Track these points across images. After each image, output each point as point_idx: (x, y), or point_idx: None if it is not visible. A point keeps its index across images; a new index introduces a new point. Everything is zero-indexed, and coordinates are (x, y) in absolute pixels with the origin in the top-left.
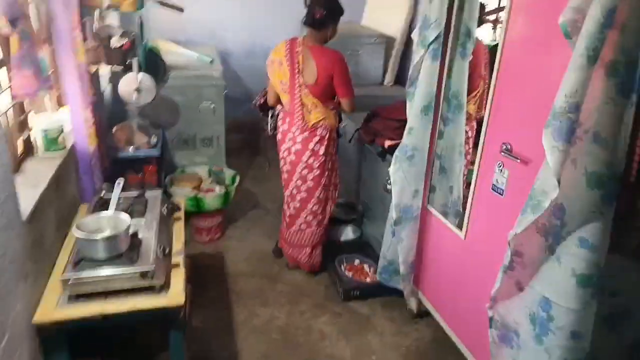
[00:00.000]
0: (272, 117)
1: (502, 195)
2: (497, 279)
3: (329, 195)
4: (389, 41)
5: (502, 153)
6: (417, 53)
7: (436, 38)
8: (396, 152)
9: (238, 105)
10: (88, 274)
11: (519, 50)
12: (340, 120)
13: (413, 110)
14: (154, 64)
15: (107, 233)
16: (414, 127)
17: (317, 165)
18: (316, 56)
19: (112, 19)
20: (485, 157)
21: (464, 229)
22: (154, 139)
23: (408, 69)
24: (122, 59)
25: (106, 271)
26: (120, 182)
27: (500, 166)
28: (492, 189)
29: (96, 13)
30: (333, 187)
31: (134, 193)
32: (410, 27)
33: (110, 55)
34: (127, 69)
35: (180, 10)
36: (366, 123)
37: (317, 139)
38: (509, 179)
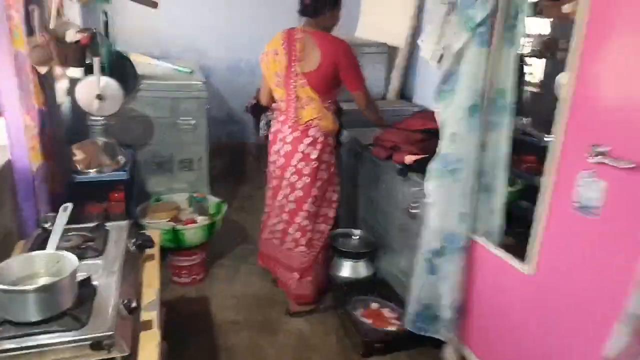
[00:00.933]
0: (266, 123)
1: (595, 214)
2: (615, 333)
3: (320, 212)
4: (391, 51)
5: (595, 157)
6: (458, 38)
7: (485, 18)
8: (433, 165)
9: (221, 126)
10: (11, 344)
11: (622, 15)
12: (340, 126)
13: (453, 112)
14: (122, 69)
15: (42, 281)
16: (457, 133)
17: (307, 172)
18: (320, 42)
19: (72, 14)
20: (564, 165)
21: (532, 262)
22: (121, 160)
23: (413, 81)
24: (79, 58)
25: (40, 339)
26: (66, 208)
27: (591, 177)
28: (577, 208)
29: (52, 6)
30: (328, 203)
31: (90, 224)
32: (414, 36)
33: (65, 52)
34: (88, 72)
35: (154, 4)
36: (379, 137)
37: (309, 140)
38: (609, 193)
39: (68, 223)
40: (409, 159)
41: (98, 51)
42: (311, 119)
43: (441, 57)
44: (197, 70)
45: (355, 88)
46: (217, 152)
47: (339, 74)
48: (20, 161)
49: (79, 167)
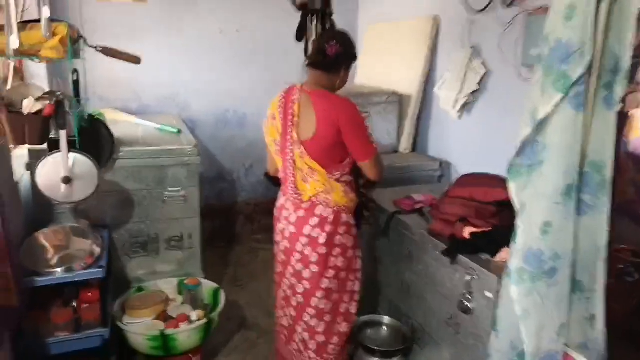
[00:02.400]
0: None
1: None
2: None
3: (339, 309)
4: (401, 100)
5: None
6: (546, 101)
7: (582, 75)
8: (518, 263)
9: (209, 185)
10: None
11: None
12: (368, 201)
13: (543, 194)
14: (97, 139)
15: None
16: (552, 222)
17: (314, 260)
18: (316, 103)
19: (38, 76)
20: None
21: None
22: (95, 250)
23: (427, 132)
24: (42, 133)
25: None
26: None
27: None
28: None
29: (8, 65)
30: (349, 297)
31: None
32: (427, 83)
33: (19, 126)
34: (53, 147)
35: (137, 61)
36: (438, 209)
37: (315, 221)
38: None
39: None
40: (469, 230)
41: (65, 122)
42: (315, 194)
43: (463, 106)
44: (183, 125)
45: (363, 156)
46: (205, 214)
47: (344, 138)
48: None
49: (42, 265)
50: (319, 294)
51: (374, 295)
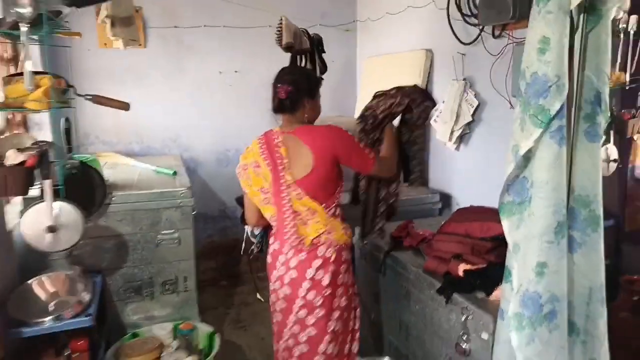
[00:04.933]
0: (259, 234)
1: None
2: None
3: (344, 350)
4: None
5: None
6: (525, 135)
7: (562, 107)
8: (515, 308)
9: (212, 223)
10: None
11: None
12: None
13: (534, 234)
14: (87, 185)
15: None
16: (547, 263)
17: (319, 303)
18: (308, 138)
19: (41, 125)
20: None
21: None
22: (84, 297)
23: (426, 164)
24: (22, 184)
25: None
26: None
27: None
28: None
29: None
30: (352, 335)
31: None
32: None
33: (1, 178)
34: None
35: (126, 107)
36: (431, 246)
37: (318, 262)
38: None
39: None
40: (463, 267)
41: (49, 172)
42: (317, 236)
43: (459, 138)
44: (181, 166)
45: (367, 168)
46: (208, 252)
47: (341, 164)
48: None
49: (31, 314)
50: (326, 338)
51: (375, 334)
